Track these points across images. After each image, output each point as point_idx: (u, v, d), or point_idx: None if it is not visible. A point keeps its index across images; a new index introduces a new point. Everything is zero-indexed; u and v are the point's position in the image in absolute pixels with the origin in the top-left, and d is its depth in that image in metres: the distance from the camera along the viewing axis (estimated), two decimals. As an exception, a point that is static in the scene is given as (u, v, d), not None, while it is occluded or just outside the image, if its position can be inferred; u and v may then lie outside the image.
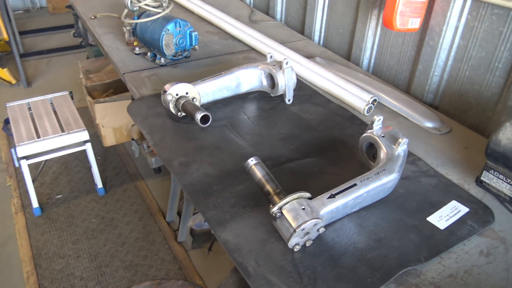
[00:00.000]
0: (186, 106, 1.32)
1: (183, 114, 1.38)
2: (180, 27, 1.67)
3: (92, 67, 2.64)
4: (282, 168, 1.20)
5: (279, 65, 1.45)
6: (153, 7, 1.70)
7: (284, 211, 0.93)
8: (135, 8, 1.73)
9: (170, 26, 1.64)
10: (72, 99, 2.60)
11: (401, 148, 1.09)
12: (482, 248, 0.99)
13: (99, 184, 2.51)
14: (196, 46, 1.75)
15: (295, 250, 0.95)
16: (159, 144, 1.29)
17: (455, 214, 1.07)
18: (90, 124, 2.82)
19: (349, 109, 1.51)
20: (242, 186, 1.14)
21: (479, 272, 0.94)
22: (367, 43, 1.83)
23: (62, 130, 2.31)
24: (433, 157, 1.29)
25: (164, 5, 1.72)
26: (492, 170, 1.10)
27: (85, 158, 2.47)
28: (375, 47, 1.82)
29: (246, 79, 1.49)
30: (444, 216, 1.06)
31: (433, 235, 1.01)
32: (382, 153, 1.10)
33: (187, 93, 1.38)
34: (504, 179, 1.08)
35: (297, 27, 2.27)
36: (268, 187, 1.01)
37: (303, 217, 0.91)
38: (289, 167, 1.21)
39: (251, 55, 1.89)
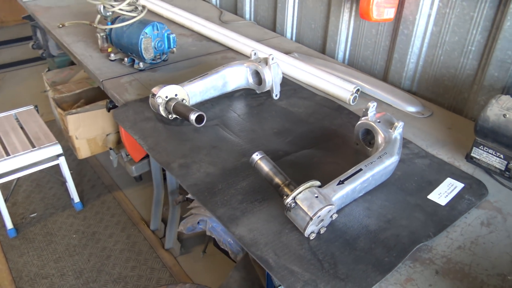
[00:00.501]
0: (178, 107, 1.31)
1: (174, 116, 1.37)
2: (157, 30, 1.65)
3: (58, 78, 2.54)
4: (282, 162, 1.21)
5: (264, 61, 1.46)
6: (128, 11, 1.67)
7: (298, 201, 0.95)
8: (108, 14, 1.69)
9: (148, 30, 1.61)
10: (38, 112, 2.49)
11: (397, 132, 1.13)
12: (482, 220, 1.05)
13: (76, 199, 2.42)
14: (174, 49, 1.73)
15: (311, 238, 0.96)
16: (154, 148, 1.27)
17: (452, 190, 1.12)
18: (59, 137, 2.71)
19: (335, 100, 1.54)
20: (246, 181, 1.14)
21: (484, 241, 0.99)
22: (341, 36, 1.88)
23: (33, 146, 2.21)
24: (421, 139, 1.35)
25: (138, 9, 1.69)
26: (482, 146, 1.16)
27: (58, 173, 2.38)
28: (350, 39, 1.88)
29: (232, 77, 1.50)
30: (443, 193, 1.11)
31: (436, 211, 1.06)
32: (380, 138, 1.14)
33: (176, 95, 1.37)
34: (493, 153, 1.14)
35: (268, 25, 2.29)
36: (277, 180, 1.02)
37: (318, 204, 0.93)
38: (288, 160, 1.23)
39: (228, 55, 1.89)
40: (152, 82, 1.64)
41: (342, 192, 0.99)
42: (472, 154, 1.19)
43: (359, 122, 1.19)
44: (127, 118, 1.41)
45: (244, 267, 1.49)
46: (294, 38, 2.17)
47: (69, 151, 2.66)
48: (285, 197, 0.97)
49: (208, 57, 1.87)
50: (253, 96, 1.55)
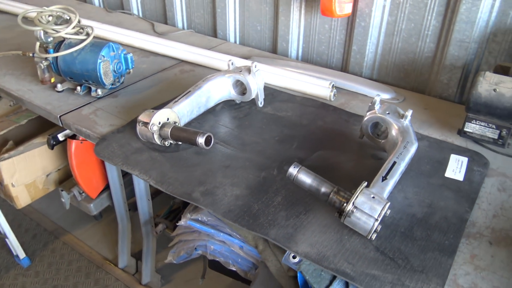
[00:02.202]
0: (179, 132, 1.20)
1: (171, 142, 1.26)
2: (114, 51, 1.49)
3: (-32, 122, 2.16)
4: (304, 167, 1.19)
5: (247, 70, 1.42)
6: (73, 34, 1.48)
7: (357, 206, 0.94)
8: (49, 40, 1.49)
9: (104, 52, 1.45)
10: (-52, 165, 2.10)
11: (408, 120, 1.18)
12: (497, 186, 1.15)
13: (21, 254, 2.10)
14: (131, 70, 1.59)
15: (373, 238, 0.96)
16: (163, 181, 1.16)
17: (461, 165, 1.22)
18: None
19: (315, 98, 1.56)
20: (280, 196, 1.10)
21: (510, 205, 1.09)
22: (293, 35, 1.90)
23: (-42, 205, 1.86)
24: (409, 123, 1.43)
25: (85, 30, 1.51)
26: (474, 120, 1.27)
27: (-8, 229, 2.04)
28: (302, 37, 1.90)
29: (215, 91, 1.42)
30: (456, 169, 1.20)
31: (460, 187, 1.13)
32: (394, 129, 1.18)
33: (168, 119, 1.26)
34: (486, 125, 1.26)
35: (208, 32, 2.22)
36: (325, 189, 1.00)
37: (378, 205, 0.93)
38: (306, 166, 1.20)
39: (185, 68, 1.79)
40: (119, 109, 1.48)
41: (389, 188, 1.01)
42: (465, 129, 1.30)
43: (368, 117, 1.22)
44: (115, 154, 1.25)
45: (263, 283, 1.44)
46: (238, 42, 2.14)
47: (5, 202, 2.30)
48: (344, 204, 0.95)
49: (166, 73, 1.75)
50: (235, 107, 1.50)
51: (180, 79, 1.70)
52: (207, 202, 1.08)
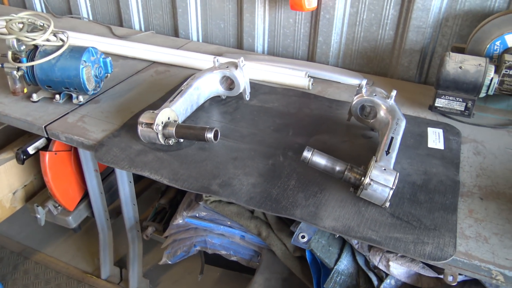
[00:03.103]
0: (186, 130, 1.23)
1: (174, 141, 1.28)
2: (94, 55, 1.46)
3: None
4: (304, 153, 1.27)
5: (233, 65, 1.46)
6: (49, 40, 1.43)
7: (373, 178, 1.04)
8: (22, 48, 1.42)
9: (85, 57, 1.42)
10: None
11: (393, 99, 1.31)
12: (473, 151, 1.32)
13: (-8, 280, 1.97)
14: (109, 74, 1.56)
15: (387, 206, 1.07)
16: (176, 178, 1.18)
17: (439, 136, 1.37)
18: None
19: (294, 88, 1.65)
20: (293, 180, 1.17)
21: (486, 166, 1.25)
22: (258, 31, 1.98)
23: None
24: (384, 104, 1.57)
25: (59, 36, 1.46)
26: (443, 96, 1.44)
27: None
28: (267, 32, 1.98)
29: (205, 87, 1.46)
30: (435, 140, 1.35)
31: (443, 155, 1.28)
32: (382, 109, 1.30)
33: (169, 118, 1.27)
34: (453, 99, 1.43)
35: (169, 32, 2.22)
36: (339, 167, 1.09)
37: (391, 175, 1.04)
38: (308, 150, 1.29)
39: (159, 69, 1.79)
40: (106, 114, 1.46)
41: (393, 160, 1.13)
42: (436, 105, 1.46)
43: (357, 100, 1.33)
44: (118, 158, 1.25)
45: (267, 268, 1.51)
46: (201, 40, 2.16)
47: None
48: (361, 179, 1.05)
49: (141, 75, 1.74)
50: (222, 102, 1.54)
51: (158, 80, 1.70)
52: (228, 193, 1.12)
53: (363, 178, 1.05)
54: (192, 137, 1.23)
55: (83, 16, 2.38)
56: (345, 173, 1.08)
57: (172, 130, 1.23)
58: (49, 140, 1.70)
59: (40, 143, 1.75)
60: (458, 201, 1.11)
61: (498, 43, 1.44)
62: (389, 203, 1.07)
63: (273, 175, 1.19)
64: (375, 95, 1.32)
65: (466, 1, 1.57)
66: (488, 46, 1.46)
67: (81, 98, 1.49)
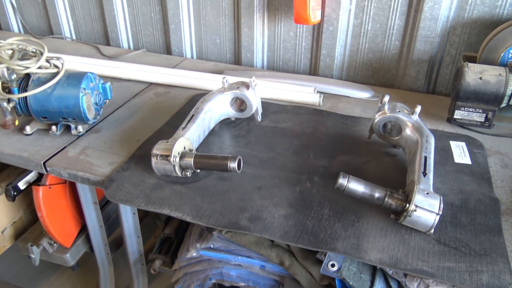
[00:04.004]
0: (205, 160, 1.13)
1: (191, 172, 1.18)
2: (92, 81, 1.35)
3: None
4: (332, 175, 1.20)
5: (244, 85, 1.38)
6: (43, 68, 1.31)
7: (417, 204, 0.98)
8: (13, 77, 1.29)
9: (84, 84, 1.31)
10: None
11: (417, 115, 1.26)
12: (499, 164, 1.28)
13: (-18, 328, 1.80)
14: (107, 100, 1.45)
15: (432, 232, 1.01)
16: (201, 215, 1.08)
17: (463, 150, 1.33)
18: None
19: (304, 105, 1.58)
20: (326, 208, 1.09)
21: (518, 179, 1.22)
22: (257, 45, 1.90)
23: None
24: (399, 117, 1.52)
25: (52, 62, 1.34)
26: (463, 108, 1.40)
27: None
28: (266, 46, 1.91)
29: (216, 110, 1.37)
30: (461, 154, 1.31)
31: (472, 170, 1.24)
32: (407, 126, 1.24)
33: (184, 148, 1.18)
34: (474, 110, 1.39)
35: (160, 50, 2.11)
36: (378, 194, 1.02)
37: (435, 200, 0.98)
38: (334, 172, 1.21)
39: (158, 90, 1.69)
40: (110, 144, 1.35)
41: (431, 181, 1.06)
42: (455, 117, 1.42)
43: (380, 117, 1.27)
44: (132, 195, 1.14)
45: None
46: (195, 57, 2.07)
47: None
48: (406, 205, 0.98)
49: (140, 99, 1.63)
50: (233, 125, 1.45)
51: (159, 103, 1.59)
52: (260, 228, 1.04)
53: (406, 205, 0.98)
54: (213, 168, 1.14)
55: (65, 36, 2.25)
56: (385, 199, 1.01)
57: (190, 161, 1.14)
58: (40, 172, 1.57)
59: (31, 176, 1.62)
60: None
61: (512, 51, 1.42)
62: (433, 229, 1.01)
63: (304, 204, 1.11)
64: (399, 111, 1.26)
65: (474, 9, 1.54)
66: (502, 54, 1.43)
67: (80, 128, 1.38)
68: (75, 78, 1.31)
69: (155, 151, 1.14)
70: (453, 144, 1.35)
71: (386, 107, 1.27)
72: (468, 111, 1.40)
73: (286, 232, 1.02)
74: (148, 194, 1.14)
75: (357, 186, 1.03)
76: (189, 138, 1.20)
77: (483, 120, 1.40)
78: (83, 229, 1.78)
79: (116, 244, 1.85)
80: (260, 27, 1.86)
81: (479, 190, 1.15)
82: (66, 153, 1.31)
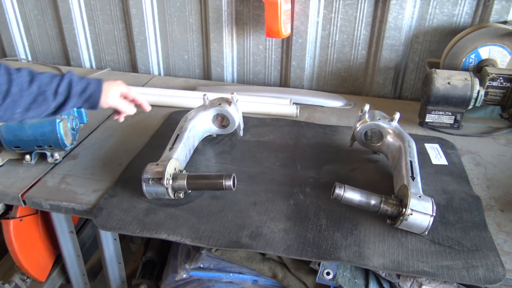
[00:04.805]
0: (199, 180, 1.12)
1: (184, 193, 1.16)
2: (68, 106, 1.30)
3: None
4: (322, 186, 1.22)
5: (225, 102, 1.38)
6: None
7: (413, 208, 1.02)
8: (-19, 107, 1.21)
9: (61, 110, 1.25)
10: None
11: (396, 122, 1.31)
12: (472, 162, 1.36)
13: None
14: (81, 124, 1.40)
15: (426, 233, 1.05)
16: (200, 236, 1.06)
17: (438, 151, 1.40)
18: None
19: (281, 117, 1.60)
20: (324, 218, 1.11)
21: (491, 176, 1.30)
22: (227, 60, 1.91)
23: None
24: (373, 124, 1.58)
25: (23, 89, 1.27)
26: (434, 111, 1.48)
27: None
28: (235, 60, 1.92)
29: (200, 128, 1.36)
30: (437, 156, 1.38)
31: (449, 170, 1.31)
32: (388, 133, 1.29)
33: (175, 169, 1.15)
34: (443, 113, 1.47)
35: (125, 68, 2.06)
36: (374, 201, 1.05)
37: (428, 202, 1.03)
38: (324, 182, 1.25)
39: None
40: (91, 170, 1.29)
41: (420, 185, 1.12)
42: (426, 120, 1.50)
43: (362, 125, 1.31)
44: (125, 222, 1.10)
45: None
46: (162, 74, 2.04)
47: None
48: (401, 209, 1.02)
49: (115, 120, 1.57)
50: (215, 141, 1.45)
51: (135, 123, 1.55)
52: (262, 245, 1.03)
53: (402, 209, 1.02)
54: (207, 188, 1.13)
55: (20, 58, 2.14)
56: (381, 205, 1.05)
57: (183, 182, 1.12)
58: (8, 204, 1.47)
59: (-3, 211, 1.52)
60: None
61: (473, 56, 1.52)
62: (427, 230, 1.05)
63: (300, 216, 1.12)
64: (379, 118, 1.31)
65: (434, 18, 1.64)
66: (464, 59, 1.53)
67: (56, 155, 1.31)
68: (50, 104, 1.25)
69: (146, 175, 1.11)
70: (428, 146, 1.43)
71: (367, 115, 1.32)
72: (439, 114, 1.48)
73: (288, 246, 1.03)
74: (141, 220, 1.10)
75: (353, 195, 1.05)
76: (178, 159, 1.18)
77: (452, 122, 1.49)
78: (58, 260, 1.69)
79: (94, 272, 1.77)
80: (229, 41, 1.87)
81: (460, 189, 1.22)
82: (44, 183, 1.24)
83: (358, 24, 1.72)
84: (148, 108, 1.25)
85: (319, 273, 1.20)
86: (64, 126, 1.26)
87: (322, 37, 1.78)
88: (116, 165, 1.31)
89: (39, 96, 0.94)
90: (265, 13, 1.62)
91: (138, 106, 1.24)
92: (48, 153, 1.31)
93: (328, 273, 1.20)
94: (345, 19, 1.72)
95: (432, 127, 1.52)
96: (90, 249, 1.80)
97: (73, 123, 1.31)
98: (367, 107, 1.32)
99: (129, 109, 1.17)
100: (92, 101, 1.06)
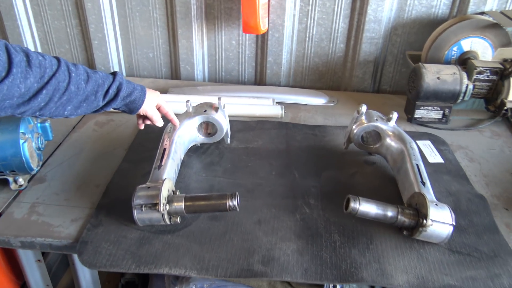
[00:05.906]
0: (200, 202, 0.99)
1: (180, 217, 1.03)
2: (31, 122, 1.11)
3: None
4: (326, 195, 1.15)
5: (211, 108, 1.25)
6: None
7: (433, 218, 0.96)
8: None
9: (23, 128, 1.07)
10: None
11: (394, 122, 1.26)
12: (467, 158, 1.35)
13: None
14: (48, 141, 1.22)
15: (445, 242, 1.01)
16: (206, 267, 0.94)
17: (432, 149, 1.37)
18: None
19: (266, 119, 1.50)
20: (336, 234, 1.04)
21: (487, 171, 1.29)
22: (197, 57, 1.76)
23: None
24: (360, 122, 1.52)
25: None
26: (422, 107, 1.44)
27: None
28: (206, 57, 1.78)
29: (186, 139, 1.23)
30: (432, 153, 1.35)
31: (447, 168, 1.28)
32: (387, 135, 1.24)
33: (168, 190, 1.02)
34: (432, 108, 1.45)
35: (82, 69, 1.84)
36: (391, 213, 0.99)
37: (446, 210, 0.98)
38: (327, 191, 1.17)
39: (99, 119, 1.47)
40: (65, 195, 1.12)
41: (431, 190, 1.07)
42: (415, 116, 1.46)
43: (360, 127, 1.24)
44: (117, 257, 0.95)
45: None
46: (124, 74, 1.85)
47: None
48: (419, 220, 0.97)
49: (81, 132, 1.40)
50: (201, 151, 1.32)
51: (105, 135, 1.38)
52: (277, 271, 0.94)
53: (421, 220, 0.96)
54: (209, 210, 1.01)
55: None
56: (398, 217, 0.99)
57: (180, 206, 0.99)
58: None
59: None
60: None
61: (455, 48, 1.50)
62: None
63: (311, 233, 1.03)
64: (376, 119, 1.25)
65: (413, 10, 1.60)
66: (446, 52, 1.51)
67: (21, 180, 1.12)
68: (10, 122, 1.06)
69: (138, 200, 0.97)
70: (421, 143, 1.39)
71: (363, 117, 1.26)
72: (427, 109, 1.45)
73: (306, 270, 0.94)
74: (135, 253, 0.96)
75: (369, 208, 0.98)
76: (170, 178, 1.05)
77: (440, 117, 1.47)
78: (23, 292, 1.49)
79: (64, 301, 1.59)
80: (199, 37, 1.72)
81: (463, 189, 1.20)
82: (11, 215, 1.05)
83: (336, 16, 1.64)
84: (178, 125, 1.21)
85: (325, 287, 1.13)
86: (29, 147, 1.08)
87: (299, 30, 1.69)
88: (93, 187, 1.15)
89: (91, 96, 0.93)
90: (242, 8, 1.49)
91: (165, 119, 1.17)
92: (11, 179, 1.12)
93: (334, 286, 1.14)
94: (323, 11, 1.63)
95: (421, 122, 1.49)
96: (57, 272, 1.61)
97: (38, 142, 1.13)
98: (364, 108, 1.25)
99: (160, 121, 1.13)
100: (133, 106, 1.04)
